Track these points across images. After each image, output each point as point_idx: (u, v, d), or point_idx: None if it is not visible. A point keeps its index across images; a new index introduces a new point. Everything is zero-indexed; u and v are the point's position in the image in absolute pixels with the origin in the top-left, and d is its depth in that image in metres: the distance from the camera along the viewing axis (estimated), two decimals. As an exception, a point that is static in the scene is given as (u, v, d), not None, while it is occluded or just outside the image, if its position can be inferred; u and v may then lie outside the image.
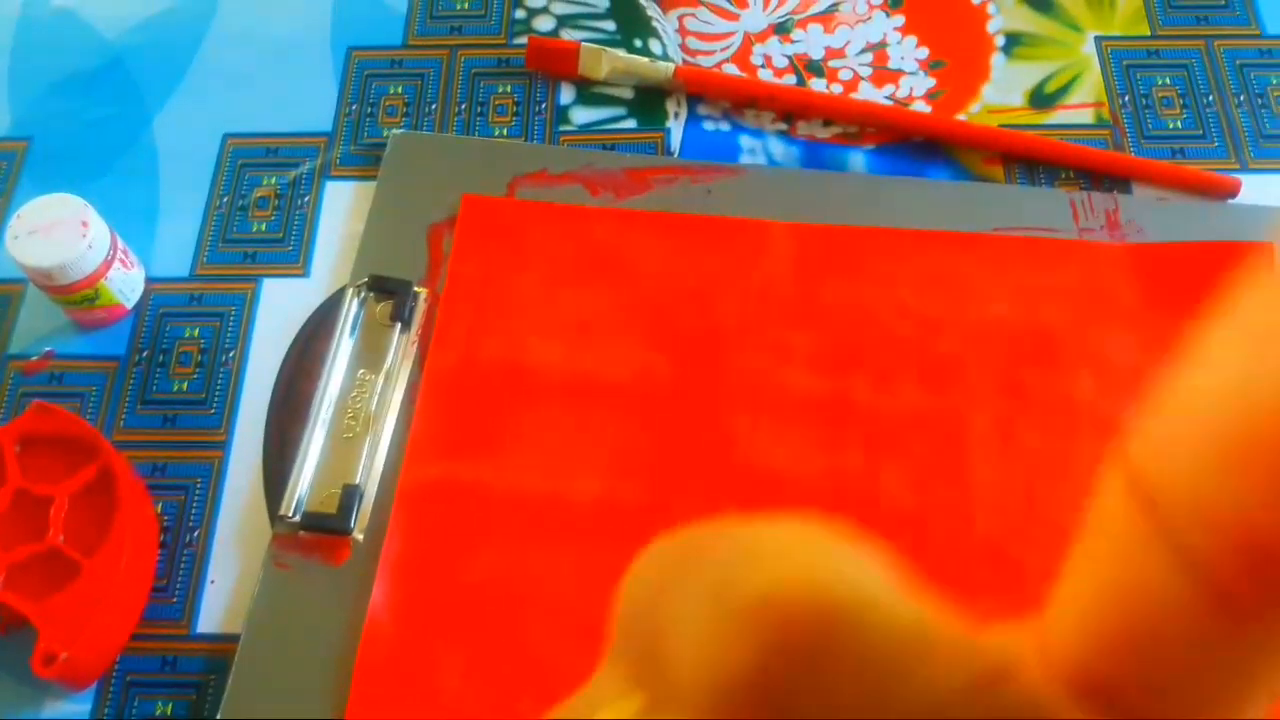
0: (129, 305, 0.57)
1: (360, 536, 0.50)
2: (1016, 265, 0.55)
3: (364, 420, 0.52)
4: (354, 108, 0.62)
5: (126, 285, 0.56)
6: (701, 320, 0.54)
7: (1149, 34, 0.63)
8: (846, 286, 0.55)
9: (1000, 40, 0.63)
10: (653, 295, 0.55)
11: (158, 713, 0.48)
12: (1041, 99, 0.61)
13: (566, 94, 0.62)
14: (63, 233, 0.53)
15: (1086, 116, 0.60)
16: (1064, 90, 0.61)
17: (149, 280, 0.58)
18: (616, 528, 0.49)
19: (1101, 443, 0.50)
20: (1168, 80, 0.61)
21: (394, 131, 0.61)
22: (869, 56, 0.62)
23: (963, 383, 0.52)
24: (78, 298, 0.54)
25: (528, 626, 0.48)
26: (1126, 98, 0.61)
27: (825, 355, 0.53)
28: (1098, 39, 0.63)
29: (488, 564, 0.49)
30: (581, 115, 0.62)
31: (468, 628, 0.48)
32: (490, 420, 0.52)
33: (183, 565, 0.51)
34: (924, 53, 0.62)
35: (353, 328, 0.54)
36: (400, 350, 0.54)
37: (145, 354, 0.56)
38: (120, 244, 0.56)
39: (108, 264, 0.54)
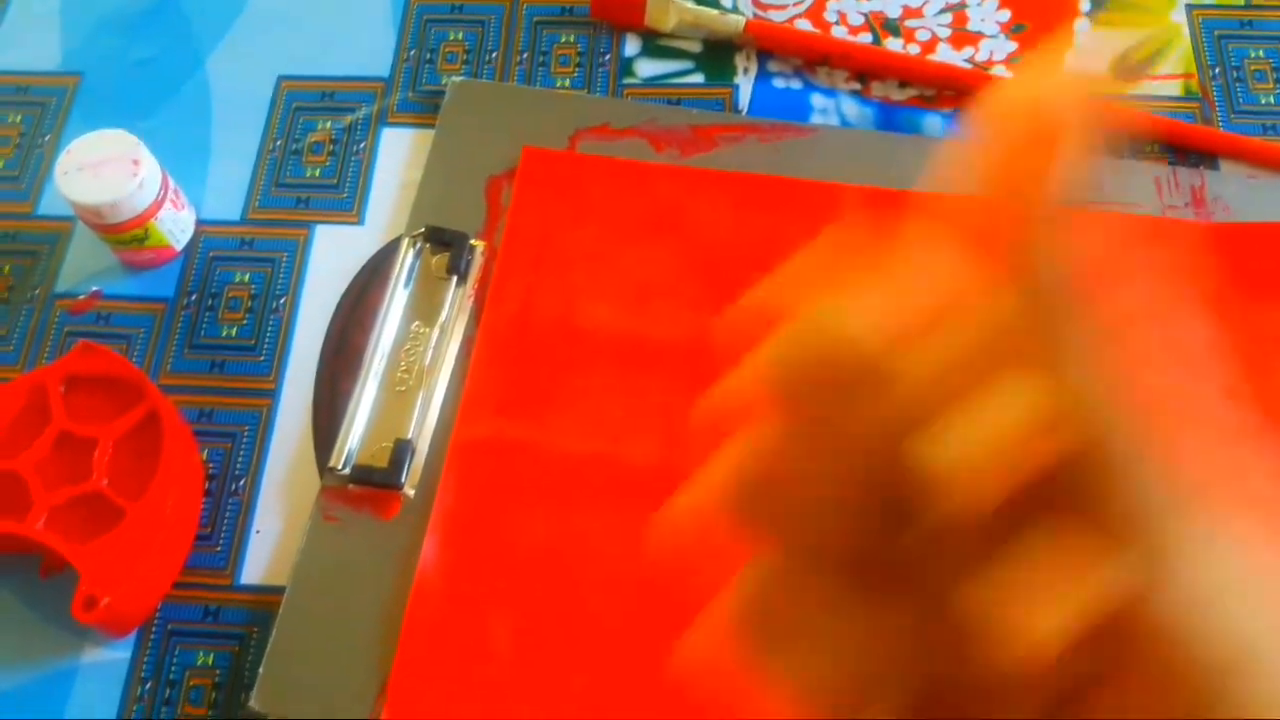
0: (178, 247, 0.55)
1: (411, 492, 0.48)
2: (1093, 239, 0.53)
3: (417, 374, 0.51)
4: (413, 53, 0.61)
5: (176, 226, 0.55)
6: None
7: (1243, 3, 0.60)
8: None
9: (1085, 5, 0.60)
10: (714, 257, 0.53)
11: (199, 663, 0.47)
12: (1128, 68, 0.58)
13: (632, 45, 0.60)
14: (113, 170, 0.51)
15: (1174, 88, 0.58)
16: (1151, 60, 0.58)
17: (199, 223, 0.56)
18: (668, 492, 0.48)
19: (1182, 430, 0.49)
20: (1261, 53, 0.59)
21: (453, 79, 0.59)
22: (948, 17, 0.60)
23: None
24: (127, 237, 0.53)
25: (578, 589, 0.46)
26: (1217, 69, 0.58)
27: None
28: (1189, 6, 0.60)
29: (540, 525, 0.47)
30: (647, 68, 0.59)
31: (518, 588, 0.46)
32: (545, 379, 0.51)
33: (228, 514, 0.50)
34: (1005, 15, 0.60)
35: (408, 279, 0.53)
36: (456, 304, 0.52)
37: (194, 297, 0.55)
38: (172, 184, 0.54)
39: (158, 204, 0.53)
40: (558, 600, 0.46)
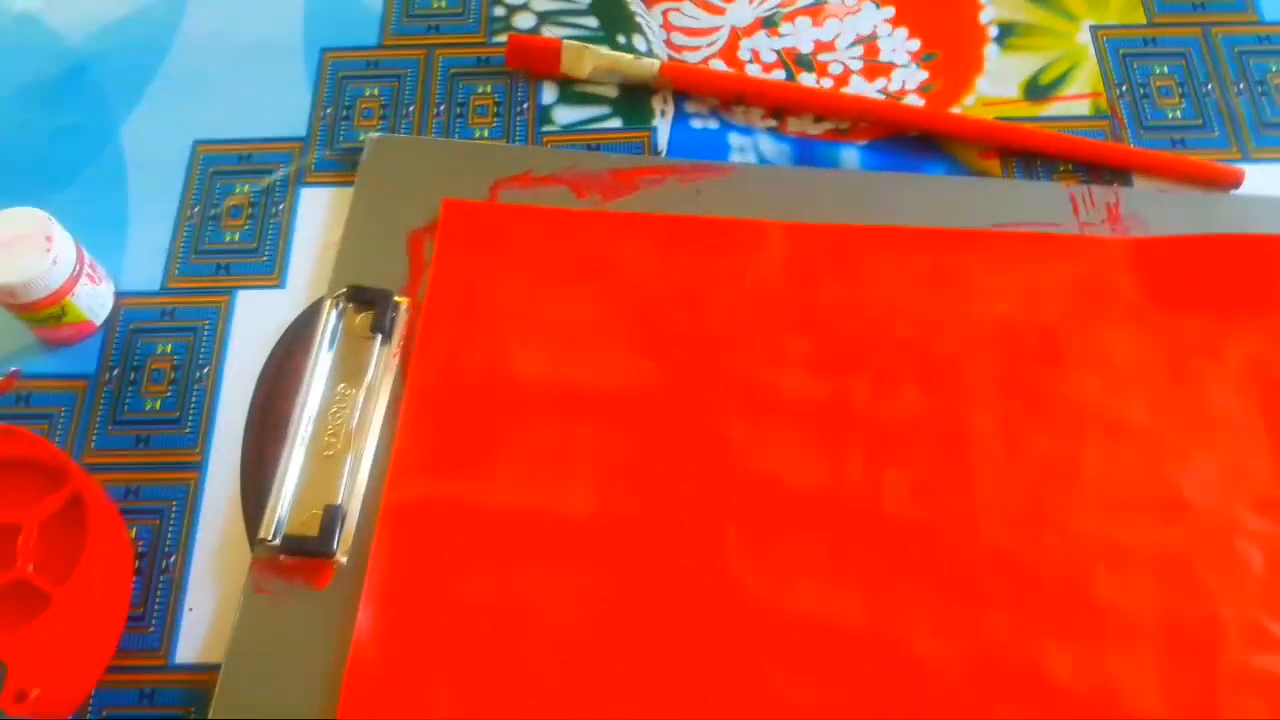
0: (97, 322, 0.55)
1: (344, 559, 0.48)
2: (1017, 261, 0.53)
3: (345, 437, 0.50)
4: (328, 111, 0.60)
5: (95, 301, 0.54)
6: (693, 324, 0.52)
7: (1145, 22, 0.61)
8: (843, 287, 0.53)
9: (993, 31, 0.61)
10: (641, 299, 0.53)
11: (136, 749, 0.46)
12: (1037, 90, 0.59)
13: (549, 93, 0.60)
14: (25, 248, 0.50)
15: (1084, 108, 0.59)
16: (1060, 81, 0.59)
17: (118, 295, 0.56)
18: (609, 542, 0.48)
19: (1109, 443, 0.49)
20: (1165, 69, 0.60)
21: (371, 135, 0.58)
22: (859, 50, 0.61)
23: (964, 384, 0.51)
24: (42, 315, 0.52)
25: (519, 647, 0.46)
26: (1124, 87, 0.59)
27: (822, 358, 0.51)
28: (1093, 28, 0.61)
29: (477, 584, 0.47)
30: (565, 115, 0.60)
31: (457, 651, 0.46)
32: (475, 434, 0.50)
33: (159, 593, 0.49)
34: (915, 45, 0.61)
35: (331, 340, 0.52)
36: (382, 363, 0.52)
37: (116, 372, 0.54)
38: (87, 258, 0.53)
39: (74, 280, 0.52)
40: (499, 661, 0.46)
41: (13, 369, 0.54)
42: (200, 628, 0.48)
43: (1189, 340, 0.51)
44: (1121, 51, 0.60)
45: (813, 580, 0.47)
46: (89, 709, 0.47)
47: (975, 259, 0.53)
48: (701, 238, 0.54)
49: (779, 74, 0.60)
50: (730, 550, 0.47)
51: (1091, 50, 0.60)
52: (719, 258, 0.54)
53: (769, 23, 0.62)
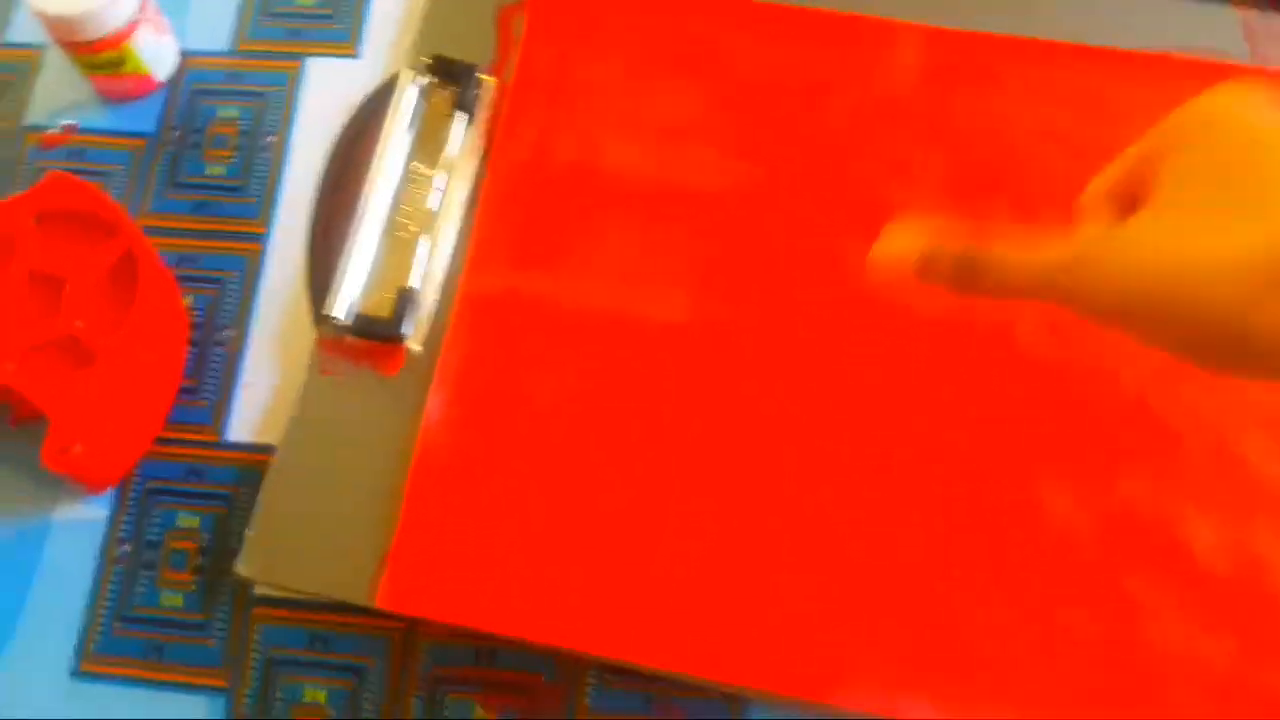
0: (159, 78, 0.50)
1: (417, 347, 0.44)
2: (1178, 91, 0.47)
3: (420, 219, 0.46)
4: None
5: (156, 54, 0.49)
6: (807, 128, 0.47)
7: None
8: (982, 101, 0.47)
9: None
10: (751, 97, 0.48)
11: (181, 524, 0.43)
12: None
13: None
14: (86, -19, 0.46)
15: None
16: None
17: (183, 54, 0.51)
18: (698, 354, 0.43)
19: None
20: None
21: (464, -101, 0.53)
22: None
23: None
24: (101, 60, 0.48)
25: (594, 457, 0.42)
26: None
27: (956, 177, 0.46)
28: None
29: (555, 387, 0.43)
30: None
31: (530, 456, 0.42)
32: (561, 228, 0.46)
33: (214, 366, 0.45)
34: None
35: (410, 115, 0.48)
36: (464, 144, 0.47)
37: (177, 133, 0.50)
38: (151, 4, 0.49)
39: (134, 24, 0.47)
40: (572, 469, 0.42)
41: (69, 121, 0.50)
42: (256, 405, 0.45)
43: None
44: None
45: (930, 416, 0.42)
46: (134, 478, 0.44)
47: (1132, 85, 0.47)
48: (823, 33, 0.49)
49: None
50: (837, 375, 0.43)
51: None
52: (842, 56, 0.48)
53: None
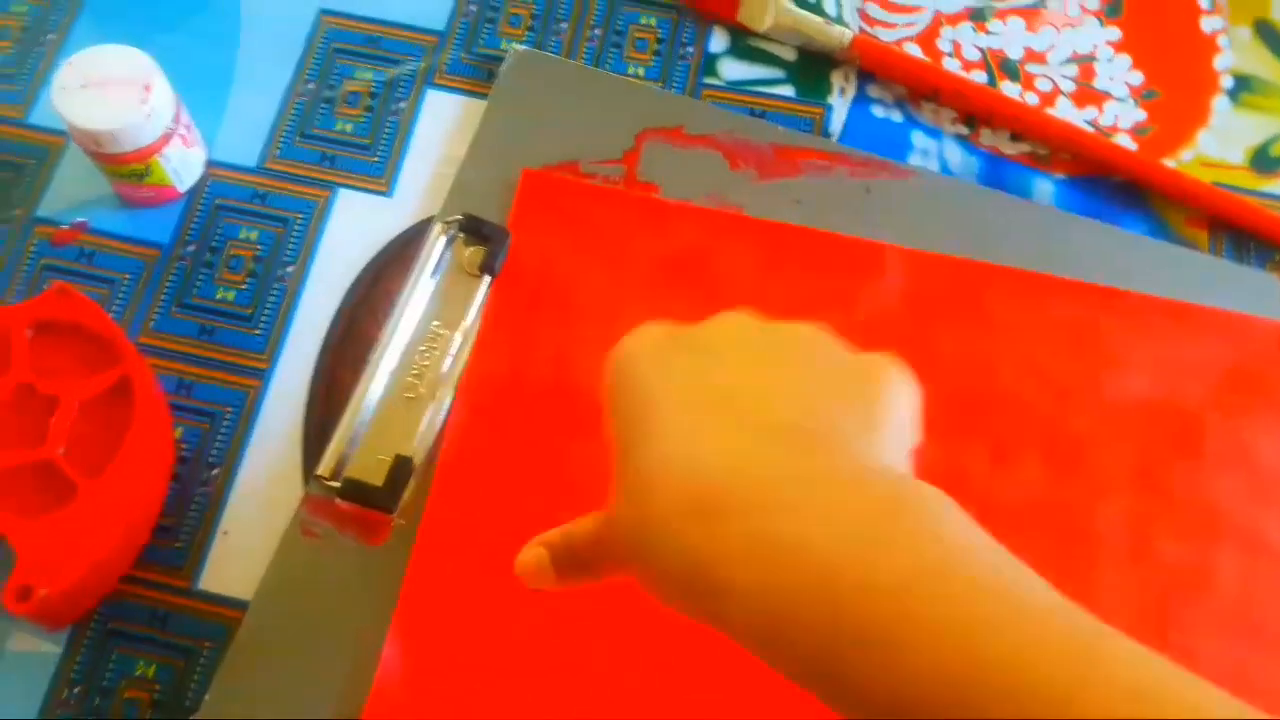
0: (182, 188, 0.49)
1: (402, 521, 0.43)
2: (1163, 331, 0.47)
3: (430, 382, 0.45)
4: (473, 9, 0.54)
5: (183, 165, 0.48)
6: None
7: (1396, 106, 0.54)
8: (966, 331, 0.46)
9: (1227, 81, 0.54)
10: None
11: (138, 673, 0.41)
12: (1266, 161, 0.52)
13: (719, 41, 0.54)
14: (121, 93, 0.45)
15: (1310, 189, 0.52)
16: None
17: (209, 164, 0.50)
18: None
19: (1246, 559, 0.43)
20: None
21: (515, 46, 0.52)
22: (1073, 69, 0.54)
23: (1093, 467, 0.45)
24: (125, 170, 0.47)
25: (565, 688, 0.40)
26: (1359, 176, 0.52)
27: (938, 412, 0.45)
28: (1336, 101, 0.54)
29: (522, 626, 0.41)
30: (732, 70, 0.53)
31: (493, 700, 0.40)
32: (533, 449, 0.44)
33: (194, 507, 0.44)
34: (1138, 78, 0.53)
35: (435, 269, 0.47)
36: (484, 307, 0.46)
37: (192, 248, 0.48)
38: (185, 116, 0.48)
39: (166, 138, 0.46)
40: (547, 692, 0.40)
41: (81, 219, 0.49)
42: (232, 555, 0.43)
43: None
44: (1363, 135, 0.53)
45: None
46: (95, 618, 0.42)
47: (1117, 321, 0.47)
48: (810, 251, 0.48)
49: (979, 75, 0.53)
50: None
51: (1330, 126, 0.53)
52: (829, 277, 0.47)
53: (978, 15, 0.55)
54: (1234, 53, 0.54)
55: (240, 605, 0.42)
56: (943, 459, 0.44)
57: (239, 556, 0.43)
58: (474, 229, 0.47)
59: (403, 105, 0.51)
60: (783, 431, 0.25)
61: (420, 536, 0.42)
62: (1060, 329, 0.47)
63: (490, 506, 0.43)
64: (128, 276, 0.48)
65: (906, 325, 0.47)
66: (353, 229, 0.49)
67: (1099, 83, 0.53)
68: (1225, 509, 0.44)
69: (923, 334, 0.46)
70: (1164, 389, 0.46)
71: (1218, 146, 0.52)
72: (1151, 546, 0.44)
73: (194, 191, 0.49)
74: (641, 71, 0.53)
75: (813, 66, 0.53)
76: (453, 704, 0.40)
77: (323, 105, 0.51)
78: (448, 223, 0.47)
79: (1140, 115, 0.53)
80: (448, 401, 0.44)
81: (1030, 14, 0.55)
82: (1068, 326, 0.47)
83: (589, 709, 0.40)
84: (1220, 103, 0.53)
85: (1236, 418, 0.46)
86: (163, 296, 0.47)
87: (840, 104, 0.52)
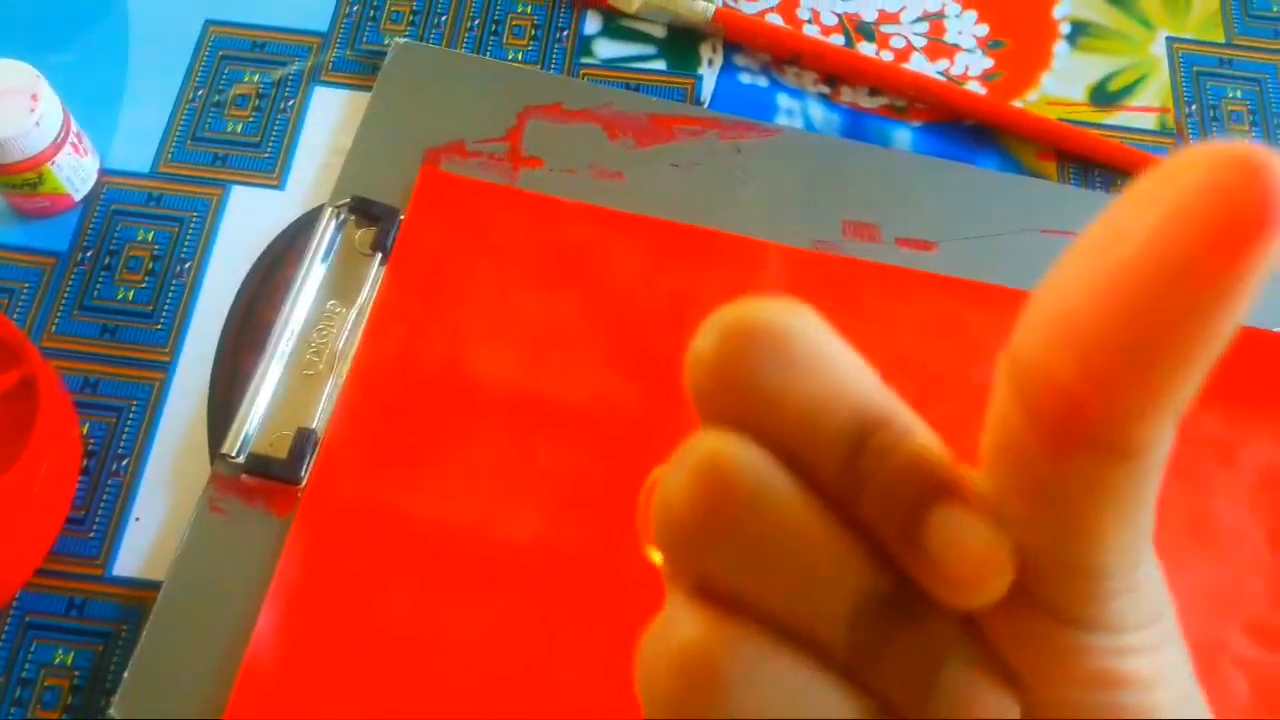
0: (77, 197, 0.50)
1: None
2: None
3: (328, 357, 0.46)
4: (355, 8, 0.56)
5: (76, 174, 0.50)
6: (674, 344, 0.48)
7: (1224, 40, 0.58)
8: (841, 326, 0.48)
9: (1066, 28, 0.58)
10: (624, 309, 0.48)
11: (57, 661, 0.42)
12: (1104, 96, 0.56)
13: (592, 23, 0.56)
14: (7, 104, 0.46)
15: (1150, 121, 0.55)
16: (1129, 90, 0.56)
17: (103, 172, 0.51)
18: (553, 576, 0.43)
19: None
20: (1239, 93, 0.57)
21: (397, 40, 0.54)
22: (924, 26, 0.57)
23: (959, 449, 0.46)
24: (18, 180, 0.48)
25: (434, 680, 0.41)
26: (1194, 106, 0.56)
27: None
28: (1169, 39, 0.58)
29: (394, 602, 0.42)
30: (607, 49, 0.56)
31: (361, 674, 0.41)
32: (419, 432, 0.45)
33: (105, 497, 0.45)
34: (984, 30, 0.57)
35: (327, 251, 0.48)
36: (377, 284, 0.48)
37: (90, 253, 0.50)
38: (74, 126, 0.49)
39: (56, 146, 0.48)
40: (404, 690, 0.41)
41: (-24, 235, 0.50)
42: (145, 540, 0.44)
43: (1201, 438, 0.47)
44: (1196, 68, 0.57)
45: None
46: (11, 611, 0.43)
47: (983, 315, 0.49)
48: (696, 249, 0.49)
49: (837, 39, 0.56)
50: None
51: (1165, 62, 0.57)
52: (713, 274, 0.49)
53: (833, -16, 0.58)
54: (1070, 3, 0.58)
55: (155, 587, 0.43)
56: None
57: (152, 541, 0.44)
58: (363, 210, 0.49)
59: (291, 103, 0.53)
60: None
61: (301, 507, 0.43)
62: (928, 320, 0.48)
63: (372, 480, 0.44)
64: (27, 285, 0.49)
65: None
66: (247, 222, 0.50)
67: (949, 37, 0.57)
68: None
69: None
70: None
71: (1060, 86, 0.56)
72: None
73: (89, 199, 0.51)
74: (521, 56, 0.55)
75: (681, 41, 0.56)
76: (324, 678, 0.41)
77: (212, 109, 0.53)
78: (338, 206, 0.49)
79: (988, 63, 0.56)
80: (346, 375, 0.46)
81: (882, -20, 0.58)
82: (934, 318, 0.49)
83: (465, 687, 0.41)
84: (1060, 47, 0.57)
85: None
86: (63, 301, 0.49)
87: (709, 74, 0.55)
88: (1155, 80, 0.57)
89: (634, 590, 0.42)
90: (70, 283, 0.49)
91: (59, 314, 0.48)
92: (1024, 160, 0.54)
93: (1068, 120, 0.55)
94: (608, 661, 0.42)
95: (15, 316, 0.48)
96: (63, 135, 0.48)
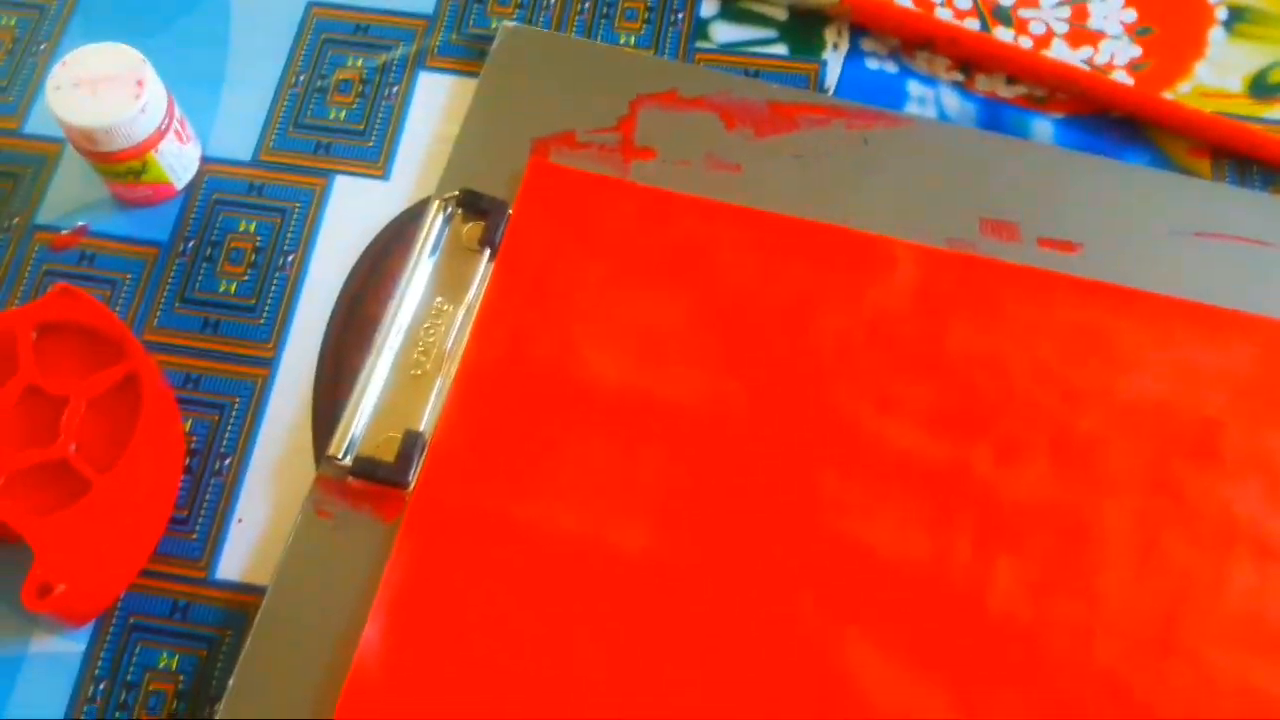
0: (179, 185, 0.49)
1: (419, 494, 0.42)
2: (1183, 334, 0.45)
3: (436, 357, 0.44)
4: (460, -9, 0.54)
5: (179, 162, 0.48)
6: (794, 347, 0.45)
7: (1396, 27, 0.53)
8: (978, 331, 0.45)
9: (1222, 13, 0.53)
10: (739, 309, 0.45)
11: (161, 665, 0.41)
12: (1264, 88, 0.51)
13: (709, 5, 0.53)
14: (113, 90, 0.45)
15: (1312, 114, 0.51)
16: (1289, 80, 0.52)
17: (204, 160, 0.50)
18: (663, 584, 0.41)
19: (1261, 568, 0.42)
20: None
21: (505, 24, 0.52)
22: (1066, 11, 0.53)
23: (1102, 470, 0.43)
24: (121, 169, 0.47)
25: (543, 690, 0.40)
26: (1362, 98, 0.52)
27: (943, 412, 0.44)
28: (1335, 25, 0.53)
29: (504, 611, 0.40)
30: (724, 33, 0.53)
31: (471, 682, 0.40)
32: (529, 437, 0.43)
33: (208, 497, 0.44)
34: (1131, 15, 0.53)
35: (434, 246, 0.46)
36: (485, 280, 0.46)
37: (192, 244, 0.48)
38: (178, 112, 0.48)
39: (160, 134, 0.46)
40: (513, 699, 0.39)
41: (81, 223, 0.49)
42: (248, 542, 0.43)
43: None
44: (1364, 57, 0.53)
45: (895, 674, 0.40)
46: (116, 612, 0.42)
47: (1135, 324, 0.45)
48: (819, 246, 0.47)
49: (972, 23, 0.53)
50: (801, 623, 0.40)
51: (1330, 50, 0.52)
52: (836, 273, 0.46)
53: (966, -36, 0.54)
54: (1227, -16, 0.54)
55: (259, 591, 0.41)
56: (948, 457, 0.43)
57: (255, 543, 0.43)
58: (471, 204, 0.47)
59: (395, 90, 0.51)
60: None
61: (409, 512, 0.42)
62: (1073, 329, 0.45)
63: (481, 485, 0.42)
64: (129, 276, 0.48)
65: (913, 325, 0.45)
66: (351, 214, 0.49)
67: (1093, 23, 0.53)
68: (1241, 516, 0.43)
69: (931, 331, 0.45)
70: (1180, 392, 0.44)
71: (1215, 76, 0.52)
72: (1160, 552, 0.42)
73: (190, 188, 0.49)
74: (633, 40, 0.53)
75: (804, 24, 0.53)
76: (432, 687, 0.39)
77: (315, 95, 0.51)
78: (445, 199, 0.47)
79: (1136, 51, 0.52)
80: (455, 375, 0.44)
81: (1018, -41, 0.54)
82: (1081, 326, 0.46)
83: (573, 696, 0.39)
84: (1216, 34, 0.53)
85: (1255, 422, 0.44)
86: (165, 293, 0.47)
87: (834, 59, 0.52)
88: (1318, 69, 0.52)
89: (743, 600, 0.41)
90: (172, 274, 0.48)
91: (161, 306, 0.47)
92: (1175, 156, 0.50)
93: (1223, 113, 0.50)
94: (716, 669, 0.40)
95: (118, 306, 0.47)
96: (166, 122, 0.47)
